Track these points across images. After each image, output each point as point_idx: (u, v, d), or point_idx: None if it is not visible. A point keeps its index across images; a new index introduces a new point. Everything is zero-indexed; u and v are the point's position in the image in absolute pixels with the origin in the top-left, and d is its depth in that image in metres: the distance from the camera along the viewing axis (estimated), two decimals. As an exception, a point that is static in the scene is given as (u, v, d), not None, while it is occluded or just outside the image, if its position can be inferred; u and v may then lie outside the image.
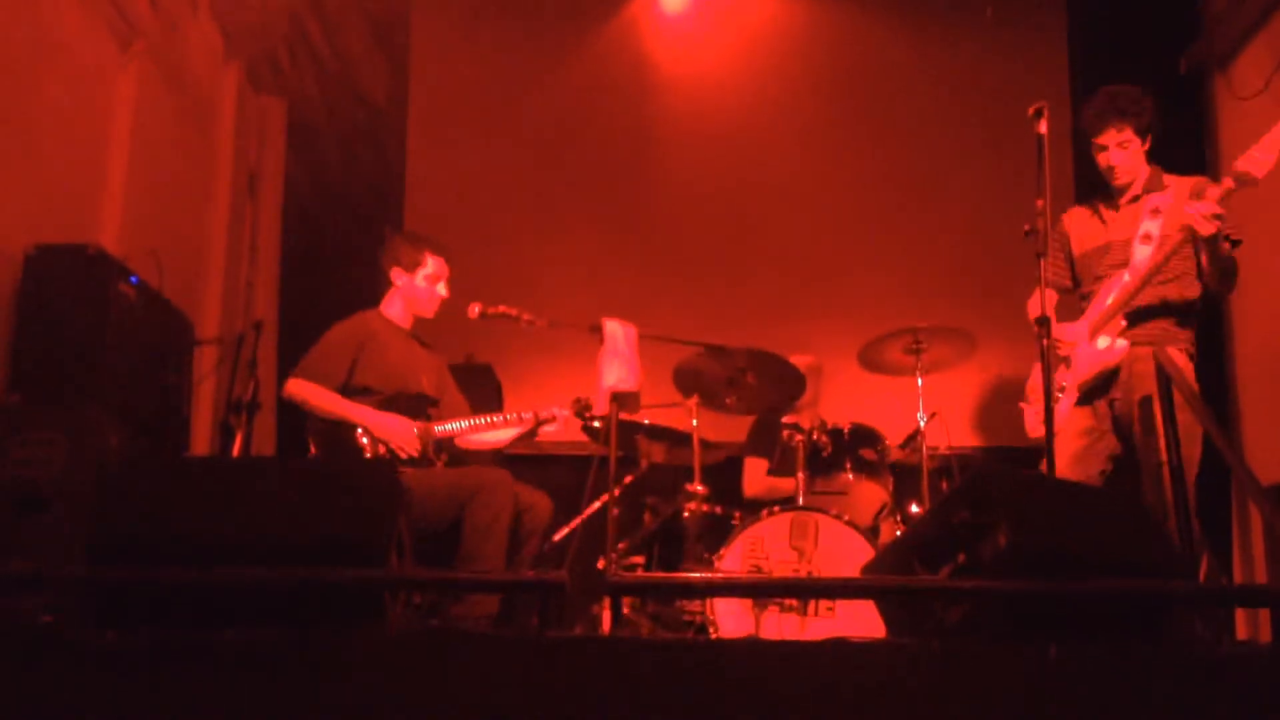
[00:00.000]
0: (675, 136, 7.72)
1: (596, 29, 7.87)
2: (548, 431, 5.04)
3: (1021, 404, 4.84)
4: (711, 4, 7.89)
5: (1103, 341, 4.52)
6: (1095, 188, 4.95)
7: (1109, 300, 4.54)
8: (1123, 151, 4.66)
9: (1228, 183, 4.14)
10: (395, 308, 5.10)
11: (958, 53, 7.59)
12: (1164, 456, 4.26)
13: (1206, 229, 4.17)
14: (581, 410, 4.94)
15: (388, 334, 5.03)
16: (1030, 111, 4.12)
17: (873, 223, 7.54)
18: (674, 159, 7.70)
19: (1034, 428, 4.65)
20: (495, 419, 4.98)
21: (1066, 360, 4.63)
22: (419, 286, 5.04)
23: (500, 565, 4.48)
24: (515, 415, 4.99)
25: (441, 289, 5.07)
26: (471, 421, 4.95)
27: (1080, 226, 4.88)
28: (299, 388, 4.81)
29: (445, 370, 5.23)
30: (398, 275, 5.07)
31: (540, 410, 5.00)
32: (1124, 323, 4.51)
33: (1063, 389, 4.58)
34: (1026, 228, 4.13)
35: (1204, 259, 4.42)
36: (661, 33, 7.87)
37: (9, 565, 2.88)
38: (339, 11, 6.85)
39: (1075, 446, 4.58)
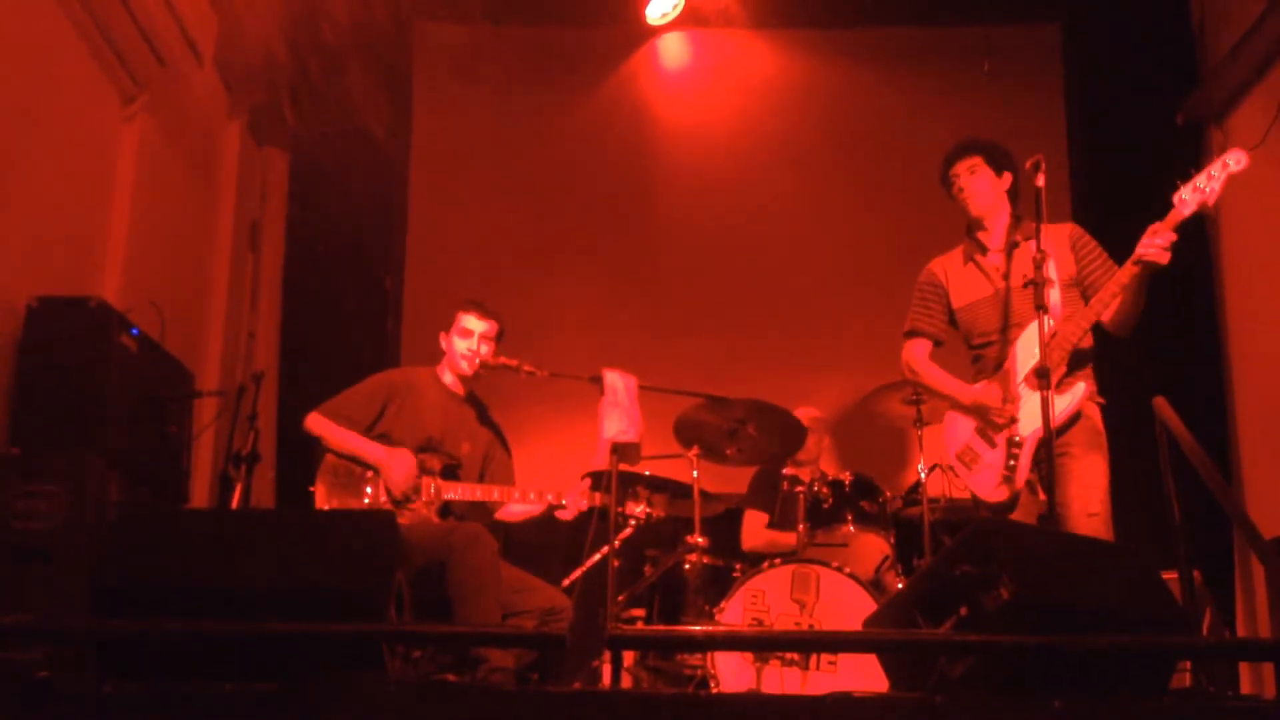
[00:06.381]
0: (676, 188, 7.76)
1: (597, 82, 7.92)
2: (561, 514, 4.93)
3: (956, 470, 4.47)
4: (711, 58, 7.95)
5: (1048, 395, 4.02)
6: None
7: (1035, 352, 4.01)
8: (971, 177, 4.50)
9: (1179, 214, 3.99)
10: (446, 370, 5.08)
11: (956, 106, 7.61)
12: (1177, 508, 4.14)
13: (1165, 259, 3.97)
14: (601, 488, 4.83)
15: (432, 393, 5.00)
16: (1028, 164, 4.12)
17: (872, 273, 7.53)
18: (674, 210, 7.73)
19: (989, 492, 4.29)
20: (514, 494, 4.88)
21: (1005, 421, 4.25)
22: (452, 345, 5.01)
23: (497, 620, 4.41)
24: (534, 494, 4.89)
25: (471, 345, 4.97)
26: (481, 491, 4.89)
27: (957, 276, 4.58)
28: (317, 423, 4.82)
29: (496, 443, 5.15)
30: (443, 337, 5.08)
31: (560, 494, 4.88)
32: (1064, 369, 4.20)
33: (1018, 445, 4.19)
34: (1024, 280, 4.12)
35: (1130, 299, 4.13)
36: (662, 86, 7.93)
37: (8, 617, 2.86)
38: (341, 64, 6.91)
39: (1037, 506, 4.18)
